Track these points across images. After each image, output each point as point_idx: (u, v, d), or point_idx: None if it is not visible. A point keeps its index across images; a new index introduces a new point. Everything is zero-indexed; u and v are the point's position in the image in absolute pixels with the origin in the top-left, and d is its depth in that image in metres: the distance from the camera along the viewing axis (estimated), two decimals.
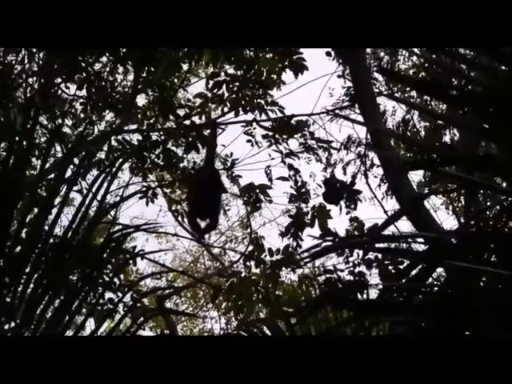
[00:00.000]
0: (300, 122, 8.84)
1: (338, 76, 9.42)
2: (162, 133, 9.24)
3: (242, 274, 9.00)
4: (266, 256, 8.82)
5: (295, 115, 8.81)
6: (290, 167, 8.67)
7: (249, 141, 8.88)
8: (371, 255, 7.82)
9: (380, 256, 7.60)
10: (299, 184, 8.68)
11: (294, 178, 8.69)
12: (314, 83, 9.51)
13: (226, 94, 8.80)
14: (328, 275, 8.23)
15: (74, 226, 3.22)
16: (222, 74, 8.66)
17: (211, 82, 8.93)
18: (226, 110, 9.24)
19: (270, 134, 8.74)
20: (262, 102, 8.73)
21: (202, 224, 8.26)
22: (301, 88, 9.25)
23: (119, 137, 9.28)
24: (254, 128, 8.94)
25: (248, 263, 9.07)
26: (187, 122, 8.92)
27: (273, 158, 8.73)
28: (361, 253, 7.86)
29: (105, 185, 3.39)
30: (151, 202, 9.51)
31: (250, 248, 9.58)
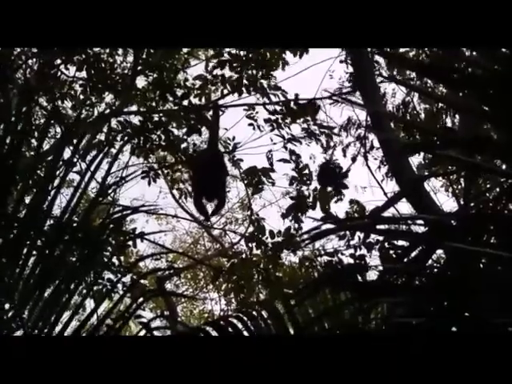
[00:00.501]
0: (309, 104, 8.83)
1: (341, 61, 9.38)
2: (162, 114, 9.22)
3: (243, 256, 9.02)
4: (267, 238, 8.83)
5: (298, 99, 8.78)
6: (292, 152, 8.67)
7: (251, 124, 8.85)
8: (372, 238, 7.84)
9: (380, 238, 7.61)
10: (300, 166, 8.68)
11: (295, 161, 8.69)
12: (316, 66, 9.49)
13: (229, 74, 8.80)
14: (329, 258, 8.26)
15: (71, 207, 3.22)
16: (226, 54, 8.61)
17: (213, 62, 8.94)
18: (225, 91, 9.23)
19: (274, 117, 8.72)
20: (265, 83, 8.72)
21: (209, 206, 8.30)
22: (302, 72, 9.24)
23: (120, 118, 9.28)
24: (257, 112, 8.93)
25: (249, 245, 9.07)
26: (186, 103, 8.91)
27: (274, 143, 8.73)
28: (362, 236, 7.88)
29: (105, 166, 3.39)
30: (153, 182, 9.52)
31: (250, 229, 9.59)
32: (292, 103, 8.74)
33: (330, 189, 8.52)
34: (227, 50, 8.60)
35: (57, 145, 8.13)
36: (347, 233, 7.96)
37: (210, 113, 8.86)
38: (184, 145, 9.45)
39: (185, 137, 9.33)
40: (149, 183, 9.53)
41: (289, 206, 8.67)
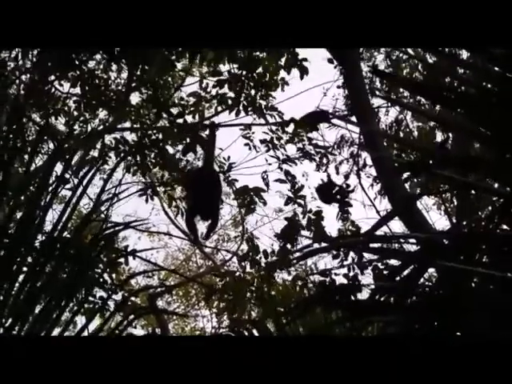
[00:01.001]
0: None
1: (338, 87, 9.42)
2: (159, 132, 9.22)
3: (237, 274, 9.00)
4: (260, 258, 8.81)
5: (294, 120, 8.81)
6: (287, 173, 8.68)
7: (246, 144, 8.86)
8: (366, 258, 7.84)
9: (373, 257, 7.60)
10: (296, 187, 8.69)
11: (290, 182, 8.70)
12: (311, 85, 9.51)
13: (225, 92, 8.81)
14: (322, 277, 8.26)
15: (62, 223, 3.21)
16: (225, 73, 8.63)
17: (208, 80, 8.95)
18: (219, 109, 9.24)
19: (269, 138, 8.75)
20: (264, 103, 8.74)
21: (201, 225, 8.30)
22: (300, 92, 9.27)
23: (116, 135, 9.30)
24: (253, 132, 8.93)
25: (243, 263, 9.05)
26: (180, 121, 8.91)
27: (270, 164, 8.74)
28: (356, 256, 7.89)
29: (99, 182, 3.39)
30: (151, 200, 9.54)
31: (243, 247, 9.58)
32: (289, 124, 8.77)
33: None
34: (226, 68, 8.63)
35: (49, 160, 8.13)
36: (341, 252, 7.96)
37: (207, 131, 8.86)
38: (181, 163, 9.49)
39: (180, 156, 9.35)
40: (146, 200, 9.55)
41: (283, 227, 8.64)
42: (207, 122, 9.15)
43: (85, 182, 3.30)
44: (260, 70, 8.60)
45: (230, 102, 8.97)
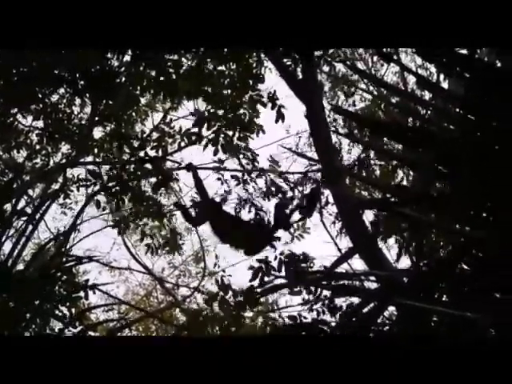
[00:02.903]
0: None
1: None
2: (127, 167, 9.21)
3: (204, 313, 8.96)
4: (230, 297, 8.77)
5: (264, 170, 8.93)
6: (259, 209, 8.70)
7: (218, 179, 8.90)
8: (337, 303, 7.87)
9: (344, 305, 7.68)
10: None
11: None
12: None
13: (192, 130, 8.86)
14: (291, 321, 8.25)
15: (17, 254, 3.19)
16: (206, 113, 8.69)
17: (171, 115, 8.98)
18: (182, 144, 9.27)
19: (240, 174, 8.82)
20: (241, 144, 8.83)
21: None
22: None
23: (81, 169, 9.31)
24: (225, 167, 8.98)
25: (211, 303, 9.03)
26: (142, 154, 8.92)
27: (241, 198, 8.75)
28: (327, 301, 7.90)
29: (61, 216, 3.37)
30: (121, 235, 9.58)
31: (204, 283, 9.55)
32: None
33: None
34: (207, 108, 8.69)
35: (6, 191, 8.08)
36: (311, 296, 7.96)
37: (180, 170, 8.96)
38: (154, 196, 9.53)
39: (151, 193, 9.38)
40: (119, 233, 9.58)
41: (255, 269, 8.58)
42: (177, 162, 9.22)
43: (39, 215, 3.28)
44: (241, 111, 8.69)
45: (193, 137, 9.02)
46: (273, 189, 8.94)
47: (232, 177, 8.86)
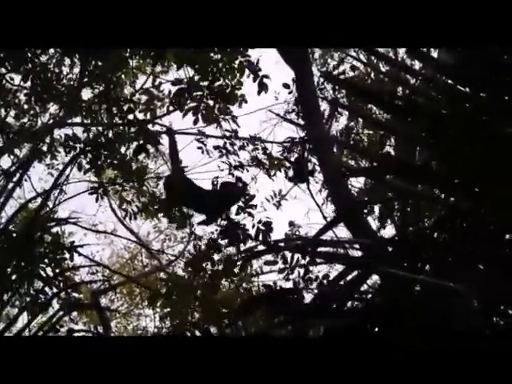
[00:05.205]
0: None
1: (289, 92, 9.42)
2: (110, 130, 9.16)
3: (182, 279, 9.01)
4: (207, 265, 8.80)
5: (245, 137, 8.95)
6: (238, 179, 8.68)
7: (199, 148, 8.87)
8: (312, 274, 7.92)
9: (320, 275, 7.74)
10: (247, 197, 8.71)
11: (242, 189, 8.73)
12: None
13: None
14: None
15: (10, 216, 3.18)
16: (185, 80, 8.62)
17: (160, 78, 8.96)
18: (171, 108, 9.26)
19: (222, 144, 8.80)
20: (221, 115, 8.81)
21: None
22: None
23: (68, 130, 9.27)
24: (207, 137, 8.96)
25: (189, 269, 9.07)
26: (131, 117, 8.88)
27: (222, 170, 8.74)
28: (302, 271, 7.95)
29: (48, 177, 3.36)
30: (100, 199, 9.57)
31: (189, 248, 9.57)
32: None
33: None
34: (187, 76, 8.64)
35: None
36: (287, 266, 8.00)
37: (165, 136, 8.91)
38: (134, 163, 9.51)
39: (131, 156, 9.34)
40: (96, 200, 9.58)
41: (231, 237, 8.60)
42: (166, 126, 9.19)
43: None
44: (221, 82, 8.64)
45: (174, 106, 9.01)
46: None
47: (214, 147, 8.84)
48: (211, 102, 8.68)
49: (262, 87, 8.33)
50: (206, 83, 8.56)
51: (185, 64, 8.46)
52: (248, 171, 8.86)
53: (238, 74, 8.51)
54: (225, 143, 8.76)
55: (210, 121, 8.79)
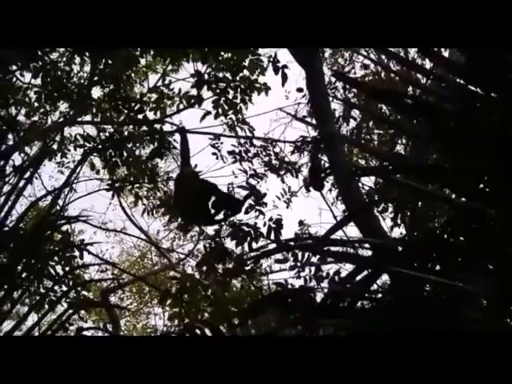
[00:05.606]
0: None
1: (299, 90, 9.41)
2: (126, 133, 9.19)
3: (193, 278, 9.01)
4: (218, 264, 8.80)
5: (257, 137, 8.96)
6: (253, 188, 8.67)
7: (214, 153, 8.88)
8: (323, 272, 7.89)
9: (331, 272, 7.71)
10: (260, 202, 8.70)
11: (255, 196, 8.69)
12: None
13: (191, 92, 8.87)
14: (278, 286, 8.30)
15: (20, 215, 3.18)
16: (206, 76, 8.63)
17: (170, 77, 8.99)
18: (181, 107, 9.26)
19: (238, 150, 8.80)
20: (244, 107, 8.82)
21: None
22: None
23: (78, 128, 9.32)
24: (222, 142, 8.98)
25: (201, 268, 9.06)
26: (140, 117, 8.90)
27: (236, 176, 8.74)
28: (313, 269, 7.92)
29: (58, 175, 3.36)
30: (117, 196, 9.63)
31: (198, 247, 9.58)
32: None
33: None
34: (208, 71, 8.65)
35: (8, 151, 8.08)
36: (298, 263, 7.98)
37: (177, 136, 8.93)
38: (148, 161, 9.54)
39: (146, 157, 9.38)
40: (112, 196, 9.64)
41: (243, 234, 8.59)
42: (176, 125, 9.20)
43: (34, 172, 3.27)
44: (245, 73, 8.64)
45: (192, 100, 9.01)
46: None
47: (229, 153, 8.84)
48: (231, 94, 8.70)
49: (285, 79, 8.32)
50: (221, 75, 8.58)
51: (211, 57, 8.46)
52: (263, 180, 8.87)
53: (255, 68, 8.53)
54: (240, 151, 8.78)
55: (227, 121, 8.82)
